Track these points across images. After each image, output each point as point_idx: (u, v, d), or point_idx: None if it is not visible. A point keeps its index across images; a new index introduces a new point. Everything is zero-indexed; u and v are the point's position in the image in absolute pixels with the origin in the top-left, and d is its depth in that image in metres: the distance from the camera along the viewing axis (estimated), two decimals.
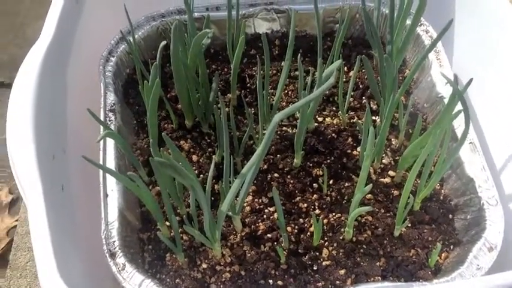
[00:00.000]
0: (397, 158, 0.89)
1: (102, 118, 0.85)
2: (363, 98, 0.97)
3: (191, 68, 0.82)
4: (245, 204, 0.83)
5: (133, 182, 0.71)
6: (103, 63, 0.92)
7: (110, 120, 0.86)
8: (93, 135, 0.83)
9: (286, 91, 0.98)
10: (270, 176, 0.86)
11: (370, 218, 0.82)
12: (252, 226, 0.81)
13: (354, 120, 0.94)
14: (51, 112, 0.80)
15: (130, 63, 0.97)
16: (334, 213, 0.83)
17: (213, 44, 1.02)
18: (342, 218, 0.82)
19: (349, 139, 0.91)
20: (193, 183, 0.62)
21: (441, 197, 0.85)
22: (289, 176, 0.86)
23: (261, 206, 0.83)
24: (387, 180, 0.86)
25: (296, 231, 0.81)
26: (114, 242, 0.73)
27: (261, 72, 0.83)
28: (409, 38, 0.84)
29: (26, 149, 0.72)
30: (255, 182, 0.85)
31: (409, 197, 0.76)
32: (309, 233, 0.80)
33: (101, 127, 0.82)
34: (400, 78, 0.97)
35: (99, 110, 0.86)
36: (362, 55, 0.86)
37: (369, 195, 0.84)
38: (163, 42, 0.82)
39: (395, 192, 0.85)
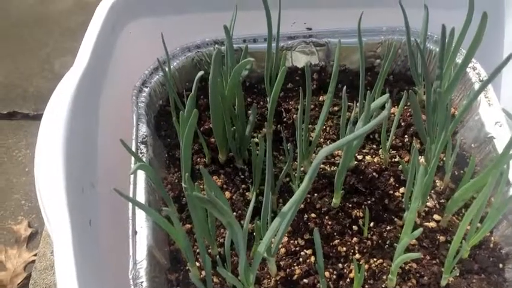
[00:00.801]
0: (442, 201, 0.84)
1: (133, 150, 0.82)
2: (405, 136, 0.92)
3: (228, 99, 0.79)
4: (280, 246, 0.78)
5: (163, 218, 0.67)
6: (136, 93, 0.89)
7: (141, 153, 0.82)
8: (123, 168, 0.80)
9: (324, 127, 0.94)
10: (306, 216, 0.81)
11: (414, 265, 0.76)
12: (288, 270, 0.76)
13: (396, 160, 0.89)
14: (82, 144, 0.77)
15: (164, 94, 0.94)
16: (375, 259, 0.77)
17: (249, 76, 0.99)
18: (384, 264, 0.76)
19: (391, 179, 0.86)
20: (231, 221, 0.58)
21: (491, 245, 0.79)
22: (327, 217, 0.81)
23: (297, 248, 0.78)
24: (432, 224, 0.81)
25: (335, 276, 0.75)
26: (142, 282, 0.69)
27: (300, 105, 0.80)
28: (459, 75, 0.79)
29: (55, 181, 0.68)
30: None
31: (460, 244, 0.70)
32: (348, 280, 0.75)
33: (132, 159, 0.79)
34: None
35: (130, 141, 0.83)
36: (404, 91, 0.82)
37: (413, 240, 0.78)
38: (201, 73, 0.78)
39: (442, 238, 0.79)
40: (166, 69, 0.87)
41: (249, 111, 0.86)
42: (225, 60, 0.82)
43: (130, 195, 0.78)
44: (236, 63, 0.76)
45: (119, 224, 0.76)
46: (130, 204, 0.76)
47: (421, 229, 0.65)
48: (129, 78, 0.90)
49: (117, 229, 0.75)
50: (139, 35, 0.94)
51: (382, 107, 0.94)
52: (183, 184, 0.76)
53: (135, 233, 0.74)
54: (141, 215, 0.75)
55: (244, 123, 0.85)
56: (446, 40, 0.79)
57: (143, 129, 0.85)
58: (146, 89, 0.91)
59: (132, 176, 0.79)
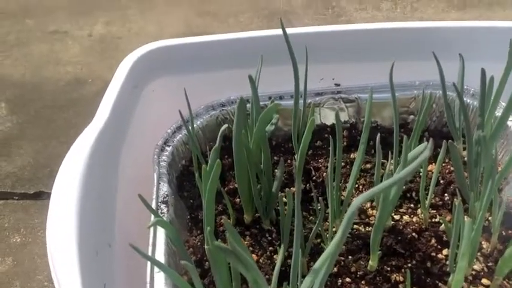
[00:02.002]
0: (490, 264, 0.76)
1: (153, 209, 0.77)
2: (445, 194, 0.85)
3: (254, 152, 0.74)
4: None
5: (184, 280, 0.60)
6: (158, 152, 0.85)
7: (162, 213, 0.77)
8: (141, 229, 0.75)
9: (356, 185, 0.88)
10: (340, 280, 0.74)
11: None
12: None
13: (437, 220, 0.82)
14: (99, 202, 0.73)
15: (187, 154, 0.90)
16: None
17: (275, 135, 0.95)
18: None
19: (433, 240, 0.78)
20: (257, 277, 0.51)
21: None
22: (363, 282, 0.74)
23: None
24: None
25: None
26: None
27: (330, 162, 0.74)
28: (502, 124, 0.74)
29: (67, 244, 0.63)
30: None
31: None
32: None
33: (152, 218, 0.74)
34: None
35: (151, 201, 0.78)
36: (441, 148, 0.77)
37: None
38: (225, 126, 0.74)
39: None
40: (190, 127, 0.84)
41: (276, 170, 0.81)
42: (250, 113, 0.78)
43: (149, 262, 0.72)
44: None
45: (136, 287, 0.69)
46: (148, 267, 0.70)
47: None
48: (151, 137, 0.87)
49: None
50: (163, 92, 0.91)
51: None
52: (205, 245, 0.71)
53: None
54: (159, 279, 0.69)
55: (271, 180, 0.79)
56: (487, 86, 0.74)
57: (164, 188, 0.81)
58: (169, 148, 0.87)
59: (151, 237, 0.74)
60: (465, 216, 0.78)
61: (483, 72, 0.71)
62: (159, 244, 0.73)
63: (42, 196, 1.80)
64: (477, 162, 0.76)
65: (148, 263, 0.70)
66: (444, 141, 0.74)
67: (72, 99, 2.20)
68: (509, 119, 0.87)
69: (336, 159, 0.77)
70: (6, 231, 1.68)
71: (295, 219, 0.63)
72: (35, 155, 1.95)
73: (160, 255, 0.72)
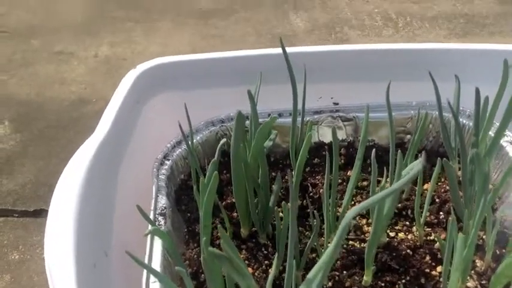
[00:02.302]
0: (483, 282, 0.76)
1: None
2: (441, 213, 0.86)
3: (252, 166, 0.75)
4: None
5: None
6: (157, 166, 0.87)
7: (159, 224, 0.78)
8: (139, 240, 0.76)
9: (352, 202, 0.89)
10: None
11: None
12: None
13: (432, 238, 0.83)
14: (97, 212, 0.74)
15: (186, 168, 0.92)
16: None
17: (273, 151, 0.96)
18: None
19: (427, 257, 0.79)
20: (251, 285, 0.52)
21: None
22: None
23: None
24: None
25: None
26: None
27: (326, 178, 0.76)
28: (495, 144, 0.75)
29: (64, 257, 0.64)
30: None
31: None
32: None
33: (150, 228, 0.75)
34: None
35: (149, 212, 0.79)
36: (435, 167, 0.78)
37: None
38: (224, 140, 0.76)
39: None
40: (190, 142, 0.85)
41: (273, 185, 0.82)
42: (248, 129, 0.80)
43: (145, 272, 0.73)
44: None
45: None
46: (144, 278, 0.70)
47: None
48: (152, 151, 0.88)
49: None
50: (164, 108, 0.93)
51: (414, 183, 0.89)
52: (201, 255, 0.71)
53: None
54: None
55: (268, 194, 0.80)
56: (481, 106, 0.75)
57: (162, 201, 0.82)
58: (168, 162, 0.88)
59: (147, 248, 0.75)
60: (459, 233, 0.79)
61: (477, 91, 0.73)
62: (156, 255, 0.74)
63: (42, 214, 1.81)
64: (471, 180, 0.77)
65: (144, 274, 0.71)
66: (439, 158, 0.75)
67: (75, 119, 2.23)
68: (505, 139, 0.89)
69: (332, 175, 0.78)
70: (5, 248, 1.68)
71: (289, 231, 0.64)
72: (37, 173, 1.97)
73: (157, 267, 0.72)
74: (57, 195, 0.69)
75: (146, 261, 0.73)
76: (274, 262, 0.64)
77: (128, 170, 0.83)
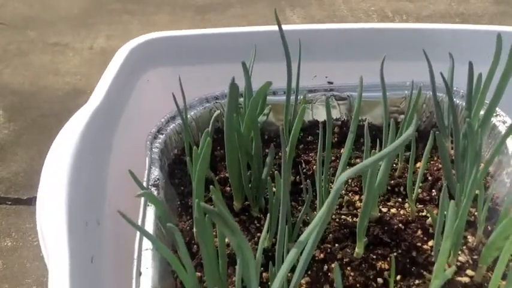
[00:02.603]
0: (475, 257, 0.77)
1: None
2: (433, 190, 0.87)
3: (245, 137, 0.75)
4: None
5: (171, 253, 0.61)
6: (151, 139, 0.87)
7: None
8: (131, 209, 0.76)
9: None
10: (326, 266, 0.75)
11: None
12: None
13: (424, 214, 0.83)
14: (89, 180, 0.73)
15: (179, 143, 0.92)
16: None
17: (267, 129, 0.96)
18: None
19: (419, 231, 0.79)
20: (242, 243, 0.52)
21: None
22: (349, 268, 0.74)
23: None
24: (466, 279, 0.73)
25: None
26: None
27: (318, 155, 0.76)
28: (486, 120, 0.75)
29: (56, 212, 0.64)
30: (308, 272, 0.74)
31: None
32: None
33: (142, 200, 0.75)
34: None
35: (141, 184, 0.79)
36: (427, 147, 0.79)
37: None
38: (218, 112, 0.76)
39: None
40: (184, 116, 0.85)
41: (266, 160, 0.82)
42: (242, 104, 0.80)
43: (137, 239, 0.72)
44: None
45: (123, 264, 0.70)
46: (136, 244, 0.70)
47: (453, 267, 0.59)
48: (144, 125, 0.88)
49: (120, 269, 0.70)
50: (158, 83, 0.93)
51: (407, 161, 0.89)
52: (193, 215, 0.71)
53: (139, 274, 0.68)
54: (147, 256, 0.70)
55: (261, 167, 0.81)
56: (474, 82, 0.76)
57: (156, 172, 0.82)
58: (162, 136, 0.88)
59: (140, 218, 0.74)
60: (451, 201, 0.79)
61: (471, 65, 0.73)
62: (148, 224, 0.74)
63: (35, 202, 1.80)
64: (464, 156, 0.78)
65: (137, 241, 0.71)
66: (431, 131, 0.75)
67: (69, 109, 2.21)
68: (498, 119, 0.89)
69: (325, 152, 0.78)
70: None
71: (281, 199, 0.64)
72: (30, 162, 1.96)
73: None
74: (50, 161, 0.69)
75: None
76: (265, 227, 0.64)
77: (121, 141, 0.83)
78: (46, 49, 2.73)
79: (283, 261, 0.60)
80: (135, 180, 0.66)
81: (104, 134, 0.80)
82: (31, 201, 1.81)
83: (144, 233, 0.62)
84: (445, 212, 0.67)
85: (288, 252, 0.57)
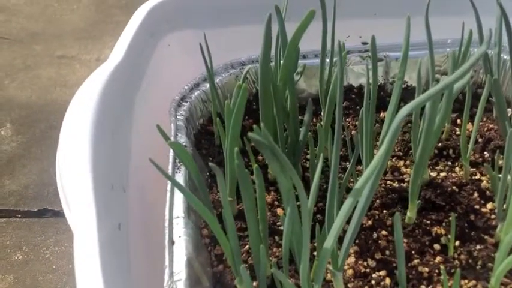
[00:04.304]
0: None
1: (171, 160, 0.71)
2: (485, 152, 0.79)
3: (281, 91, 0.68)
4: (346, 267, 0.64)
5: (205, 208, 0.54)
6: (175, 106, 0.80)
7: (179, 162, 0.71)
8: (158, 176, 0.69)
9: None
10: (376, 234, 0.67)
11: None
12: None
13: (477, 177, 0.75)
14: (112, 142, 0.66)
15: (205, 112, 0.85)
16: (467, 280, 0.62)
17: (298, 97, 0.89)
18: (479, 287, 0.61)
19: (475, 194, 0.72)
20: (293, 176, 0.45)
21: None
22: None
23: (367, 270, 0.64)
24: None
25: None
26: None
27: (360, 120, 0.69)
28: None
29: (81, 175, 0.57)
30: (356, 241, 0.67)
31: None
32: None
33: (170, 166, 0.69)
34: None
35: (168, 150, 0.72)
36: (477, 108, 0.71)
37: None
38: (249, 66, 0.69)
39: None
40: (210, 83, 0.78)
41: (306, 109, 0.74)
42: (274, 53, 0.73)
43: (167, 206, 0.65)
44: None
45: (152, 232, 0.63)
46: (167, 211, 0.63)
47: None
48: (167, 91, 0.81)
49: (150, 238, 0.63)
50: (179, 47, 0.86)
51: (454, 123, 0.82)
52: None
53: (172, 243, 0.61)
54: (179, 224, 0.63)
55: (297, 128, 0.73)
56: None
57: (182, 139, 0.75)
58: (186, 104, 0.81)
59: (168, 188, 0.67)
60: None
61: None
62: (177, 195, 0.67)
63: (46, 214, 1.75)
64: None
65: (167, 208, 0.64)
66: (488, 75, 0.68)
67: None
68: None
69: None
70: (8, 249, 1.62)
71: (333, 153, 0.57)
72: (39, 174, 1.91)
73: (179, 203, 0.65)
74: (69, 119, 0.63)
75: (168, 198, 0.66)
76: (312, 188, 0.57)
77: (143, 105, 0.76)
78: (52, 62, 2.67)
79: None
80: (162, 133, 0.59)
81: (125, 94, 0.73)
82: (42, 214, 1.75)
83: (176, 184, 0.54)
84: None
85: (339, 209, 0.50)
